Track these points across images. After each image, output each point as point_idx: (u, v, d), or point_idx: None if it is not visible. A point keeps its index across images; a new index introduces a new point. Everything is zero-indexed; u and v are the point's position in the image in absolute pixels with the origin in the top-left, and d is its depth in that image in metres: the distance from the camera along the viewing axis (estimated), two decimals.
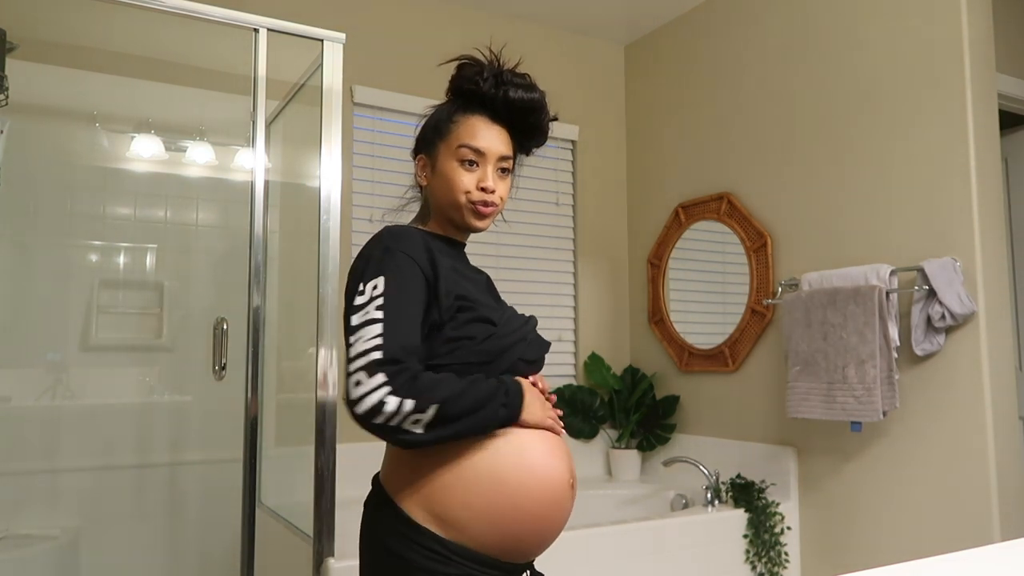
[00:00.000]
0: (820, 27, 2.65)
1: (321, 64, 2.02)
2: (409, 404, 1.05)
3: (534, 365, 1.29)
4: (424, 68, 3.08)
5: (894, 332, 2.26)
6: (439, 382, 1.09)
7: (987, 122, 2.23)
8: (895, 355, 2.25)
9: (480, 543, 1.13)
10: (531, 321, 1.32)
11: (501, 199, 1.29)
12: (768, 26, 2.86)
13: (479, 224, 1.28)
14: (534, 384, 1.27)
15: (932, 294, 2.17)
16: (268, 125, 2.45)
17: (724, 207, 2.97)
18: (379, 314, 1.10)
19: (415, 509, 1.15)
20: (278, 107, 2.47)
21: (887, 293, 2.26)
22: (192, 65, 2.66)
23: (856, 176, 2.49)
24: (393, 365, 1.07)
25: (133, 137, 2.58)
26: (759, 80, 2.89)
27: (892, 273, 2.29)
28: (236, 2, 2.13)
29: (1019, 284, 2.92)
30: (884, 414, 2.25)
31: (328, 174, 1.98)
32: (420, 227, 1.31)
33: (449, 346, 1.17)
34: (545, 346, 1.33)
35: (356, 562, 1.85)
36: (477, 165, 1.26)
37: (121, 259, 2.57)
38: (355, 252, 2.89)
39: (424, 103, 3.11)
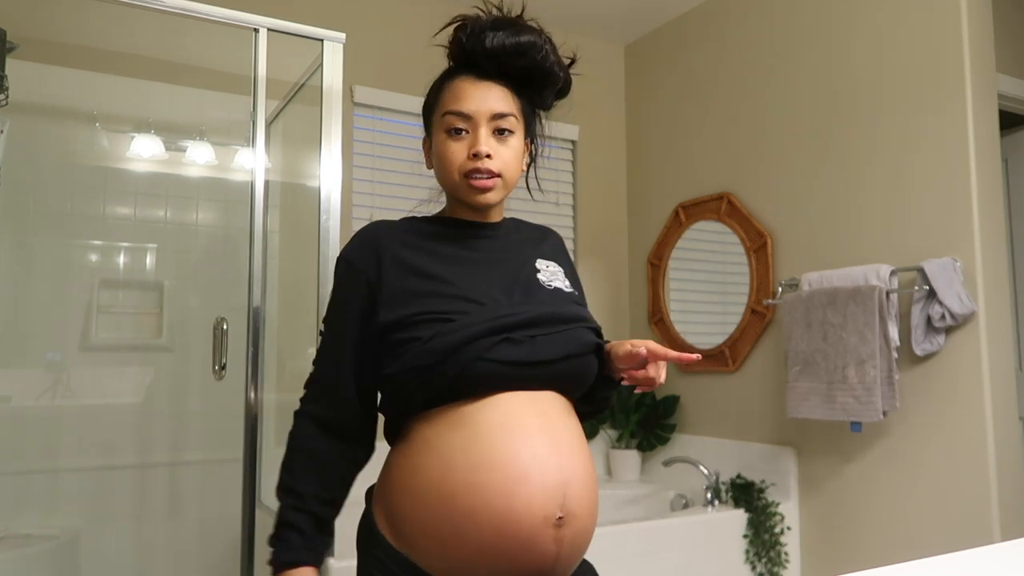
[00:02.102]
0: (819, 27, 2.65)
1: (321, 64, 2.02)
2: (285, 447, 1.15)
3: (531, 370, 1.03)
4: (424, 68, 3.06)
5: (894, 332, 2.26)
6: (290, 452, 1.15)
7: (987, 122, 2.23)
8: (895, 355, 2.25)
9: (426, 562, 1.00)
10: (543, 311, 1.08)
11: (505, 164, 1.10)
12: (768, 26, 2.86)
13: (479, 199, 1.11)
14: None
15: (932, 294, 2.17)
16: (268, 125, 2.44)
17: (724, 207, 2.97)
18: (322, 330, 1.16)
19: (378, 511, 1.09)
20: (278, 107, 2.47)
21: (887, 293, 2.26)
22: (192, 65, 2.66)
23: (856, 176, 2.49)
24: (307, 389, 1.16)
25: (133, 137, 2.58)
26: (759, 80, 2.89)
27: (892, 273, 2.29)
28: (236, 2, 2.13)
29: (1019, 284, 2.92)
30: (884, 414, 2.25)
31: (328, 174, 1.98)
32: (427, 214, 1.21)
33: (397, 350, 1.04)
34: (568, 344, 1.07)
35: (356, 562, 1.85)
36: (467, 132, 1.10)
37: (121, 259, 2.57)
38: None
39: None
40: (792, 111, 2.74)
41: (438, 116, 1.14)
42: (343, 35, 2.05)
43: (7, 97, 2.19)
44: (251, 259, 2.05)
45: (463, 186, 1.10)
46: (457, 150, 1.10)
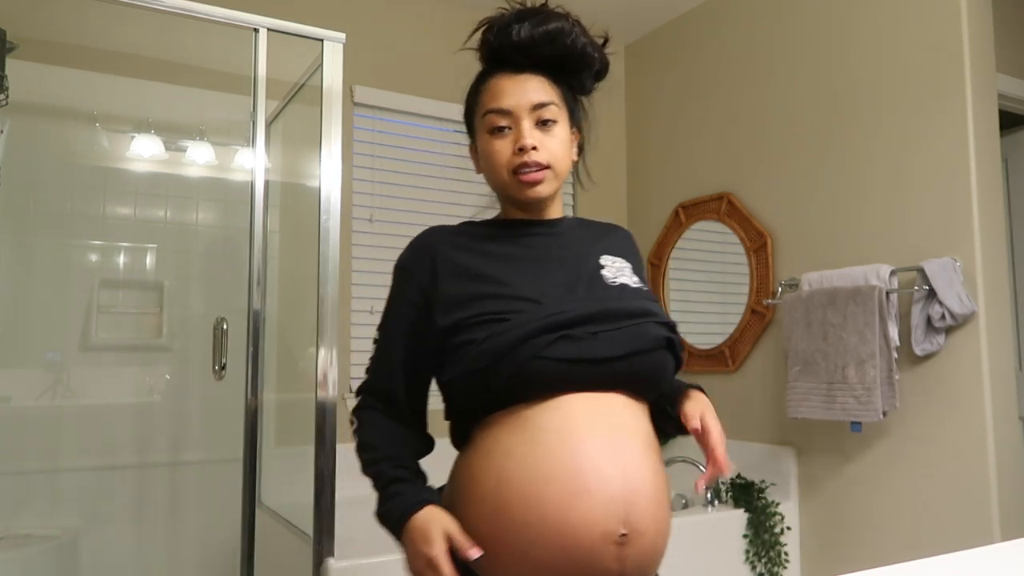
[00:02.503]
0: (819, 27, 2.65)
1: (321, 64, 2.02)
2: (357, 438, 1.12)
3: (593, 369, 0.97)
4: (424, 68, 3.08)
5: (894, 332, 2.26)
6: (366, 431, 1.11)
7: (987, 122, 2.23)
8: (895, 355, 2.25)
9: (486, 574, 0.96)
10: (605, 305, 1.01)
11: (552, 154, 1.06)
12: (768, 26, 2.86)
13: (530, 194, 1.07)
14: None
15: (932, 294, 2.17)
16: (268, 125, 2.44)
17: (724, 207, 2.97)
18: (376, 337, 1.15)
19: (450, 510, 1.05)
20: (278, 107, 2.47)
21: (887, 293, 2.26)
22: (192, 65, 2.66)
23: (856, 176, 2.49)
24: (361, 396, 1.15)
25: (133, 137, 2.58)
26: (759, 80, 2.89)
27: (892, 273, 2.29)
28: (236, 2, 2.13)
29: (1019, 284, 2.92)
30: (884, 414, 2.25)
31: (328, 174, 1.98)
32: (481, 218, 1.19)
33: (454, 355, 1.01)
34: (633, 339, 0.99)
35: (356, 562, 1.85)
36: (510, 128, 1.06)
37: (121, 259, 2.57)
38: (355, 252, 2.90)
39: (424, 103, 3.13)
40: (792, 111, 2.74)
41: (479, 118, 1.11)
42: (343, 35, 2.05)
43: (7, 97, 2.19)
44: (251, 259, 2.05)
45: (513, 183, 1.07)
46: (502, 148, 1.07)
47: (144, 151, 2.59)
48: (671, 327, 1.06)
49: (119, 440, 2.49)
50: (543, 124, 1.07)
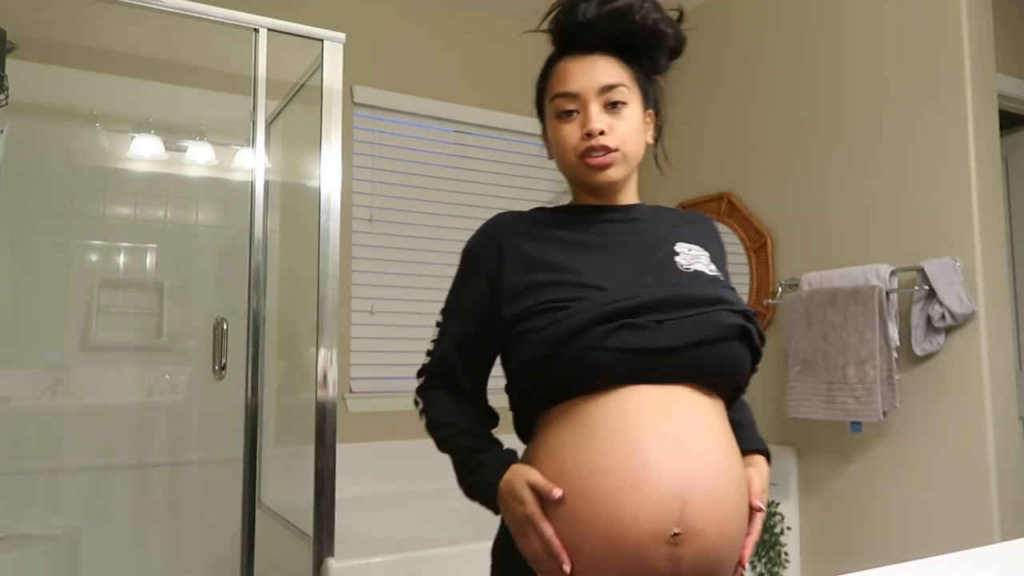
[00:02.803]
0: (820, 27, 2.65)
1: (321, 64, 2.02)
2: (424, 418, 1.12)
3: (657, 360, 0.91)
4: (424, 68, 3.08)
5: (894, 332, 2.26)
6: (434, 408, 1.11)
7: (987, 122, 2.23)
8: (895, 355, 2.25)
9: None
10: (672, 292, 0.96)
11: (622, 137, 1.03)
12: (768, 26, 2.86)
13: (599, 178, 1.03)
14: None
15: (932, 294, 2.17)
16: (268, 125, 2.45)
17: (724, 207, 2.97)
18: (440, 320, 1.13)
19: None
20: (278, 107, 2.47)
21: (887, 293, 2.26)
22: (192, 65, 2.66)
23: (856, 176, 2.49)
24: (423, 377, 1.14)
25: (133, 137, 2.58)
26: (759, 79, 2.89)
27: (892, 273, 2.29)
28: (236, 2, 2.13)
29: (1019, 284, 2.92)
30: (884, 414, 2.25)
31: (328, 174, 1.98)
32: (552, 204, 1.16)
33: (515, 345, 0.98)
34: (703, 328, 0.93)
35: (356, 562, 1.85)
36: (578, 112, 1.03)
37: (121, 259, 2.57)
38: (355, 252, 2.90)
39: (424, 103, 3.12)
40: (792, 111, 2.74)
41: (548, 102, 1.08)
42: (343, 35, 2.05)
43: (7, 97, 2.19)
44: (251, 259, 2.05)
45: (581, 168, 1.04)
46: (570, 132, 1.03)
47: (144, 151, 2.59)
48: (748, 316, 0.98)
49: (119, 440, 2.49)
50: (612, 107, 1.03)
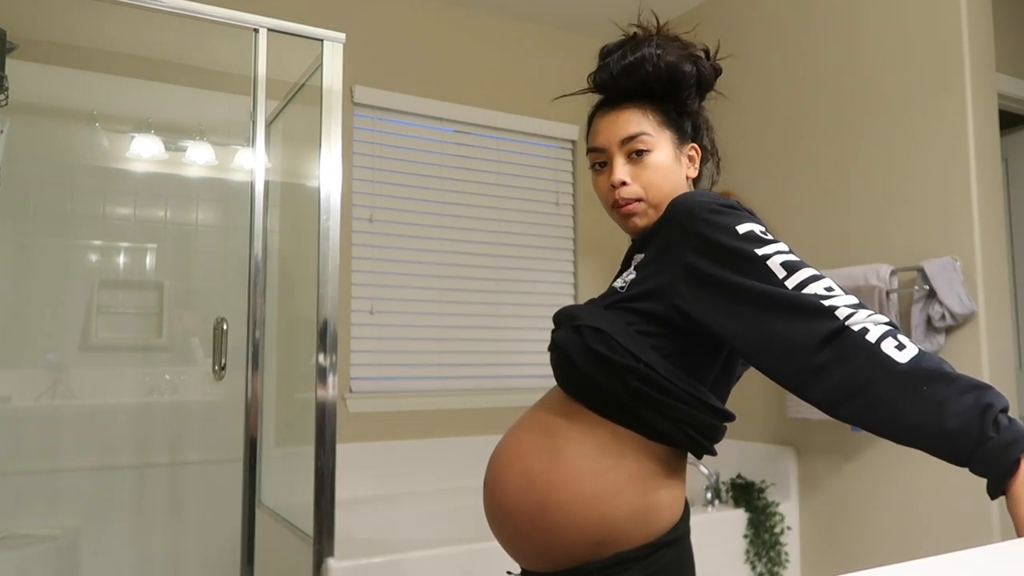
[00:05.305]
0: (820, 27, 2.65)
1: (321, 64, 2.02)
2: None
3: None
4: (424, 68, 3.08)
5: None
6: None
7: (987, 122, 2.23)
8: None
9: None
10: (558, 313, 1.10)
11: (645, 184, 1.08)
12: (768, 25, 2.86)
13: (628, 225, 1.12)
14: None
15: (932, 294, 2.17)
16: (268, 125, 2.45)
17: None
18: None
19: None
20: (278, 107, 2.47)
21: (887, 293, 2.26)
22: (192, 65, 2.66)
23: (856, 176, 2.49)
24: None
25: (133, 137, 2.58)
26: (759, 79, 2.89)
27: (892, 273, 2.29)
28: (236, 2, 2.13)
29: (1019, 284, 2.92)
30: None
31: (328, 174, 1.98)
32: None
33: None
34: (554, 344, 1.07)
35: (356, 562, 1.85)
36: (607, 164, 1.12)
37: (121, 259, 2.57)
38: (355, 252, 2.90)
39: (424, 103, 3.12)
40: (792, 111, 2.74)
41: (587, 154, 1.17)
42: (343, 35, 2.05)
43: (7, 97, 2.19)
44: (251, 259, 2.05)
45: (615, 216, 1.13)
46: (602, 184, 1.13)
47: (144, 151, 2.59)
48: (580, 329, 1.01)
49: (119, 440, 2.49)
50: (637, 155, 1.09)
